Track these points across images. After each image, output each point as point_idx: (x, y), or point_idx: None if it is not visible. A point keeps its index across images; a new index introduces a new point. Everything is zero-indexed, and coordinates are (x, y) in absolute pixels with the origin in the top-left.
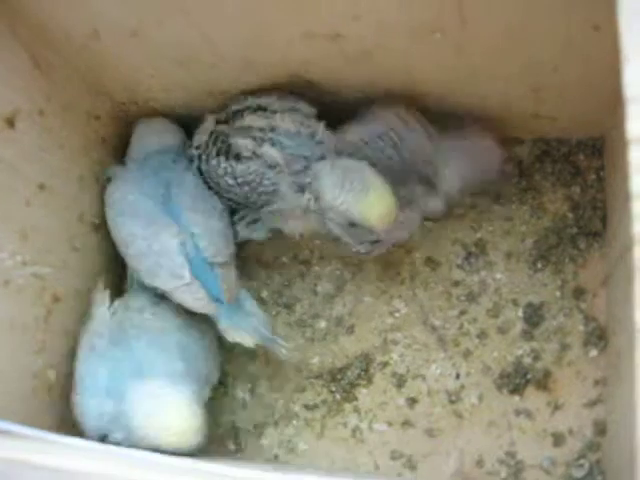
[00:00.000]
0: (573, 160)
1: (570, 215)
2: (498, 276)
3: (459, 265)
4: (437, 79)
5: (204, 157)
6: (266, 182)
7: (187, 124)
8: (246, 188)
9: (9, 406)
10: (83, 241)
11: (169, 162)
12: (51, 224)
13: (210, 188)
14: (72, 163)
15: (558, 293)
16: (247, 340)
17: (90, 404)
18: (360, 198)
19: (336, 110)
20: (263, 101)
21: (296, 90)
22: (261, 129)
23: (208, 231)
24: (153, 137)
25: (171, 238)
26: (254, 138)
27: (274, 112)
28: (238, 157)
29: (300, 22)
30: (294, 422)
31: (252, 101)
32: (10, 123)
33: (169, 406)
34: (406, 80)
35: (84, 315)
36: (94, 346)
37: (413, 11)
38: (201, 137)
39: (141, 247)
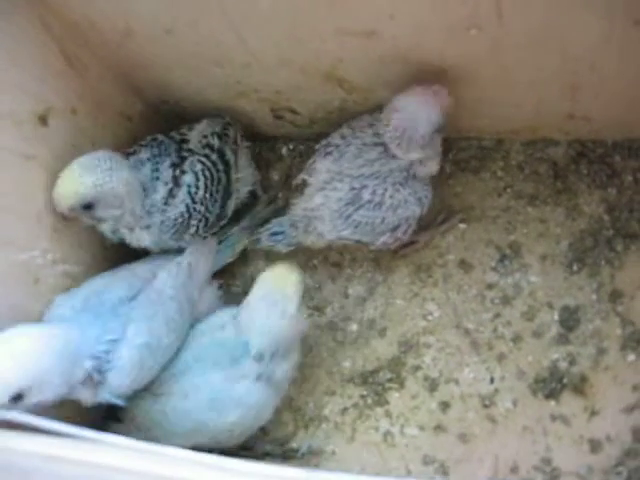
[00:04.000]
0: (609, 162)
1: (606, 217)
2: (533, 279)
3: (493, 268)
4: (472, 78)
5: None
6: None
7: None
8: None
9: None
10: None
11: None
12: (81, 223)
13: None
14: None
15: (594, 296)
16: None
17: None
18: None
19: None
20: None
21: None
22: None
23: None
24: None
25: None
26: None
27: None
28: None
29: (334, 18)
30: (324, 426)
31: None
32: (43, 121)
33: None
34: (440, 79)
35: None
36: None
37: (449, 7)
38: None
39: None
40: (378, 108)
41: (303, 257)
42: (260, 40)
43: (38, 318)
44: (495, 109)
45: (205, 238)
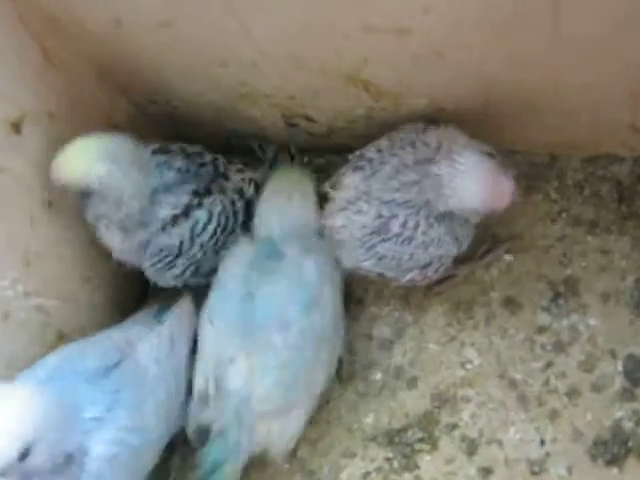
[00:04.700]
0: None
1: None
2: (592, 322)
3: (545, 307)
4: (517, 82)
5: None
6: None
7: (215, 138)
8: None
9: None
10: (96, 270)
11: None
12: (59, 248)
13: None
14: None
15: None
16: None
17: None
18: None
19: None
20: None
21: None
22: None
23: None
24: None
25: None
26: None
27: None
28: None
29: (359, 13)
30: None
31: None
32: (16, 128)
33: None
34: (481, 86)
35: None
36: None
37: (495, 1)
38: None
39: None
40: (420, 120)
41: None
42: (271, 36)
43: (7, 356)
44: (545, 117)
45: (186, 287)
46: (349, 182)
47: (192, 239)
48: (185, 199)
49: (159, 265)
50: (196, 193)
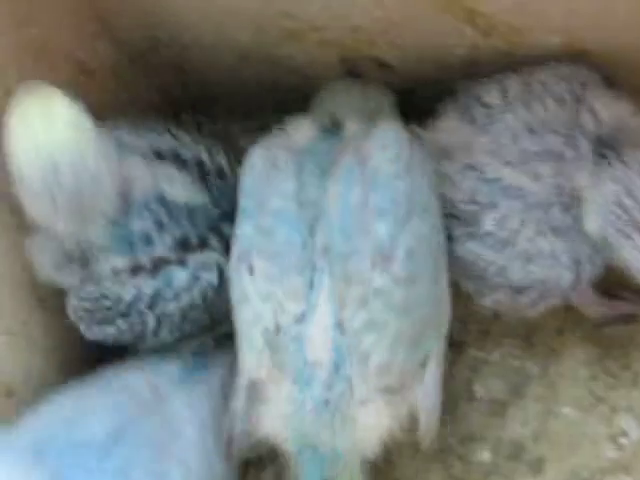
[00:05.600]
0: None
1: None
2: None
3: None
4: None
5: None
6: None
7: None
8: None
9: None
10: (52, 293)
11: None
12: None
13: None
14: None
15: None
16: None
17: None
18: None
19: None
20: None
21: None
22: None
23: None
24: None
25: None
26: None
27: None
28: None
29: None
30: None
31: None
32: None
33: None
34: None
35: None
36: None
37: None
38: None
39: None
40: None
41: None
42: None
43: None
44: None
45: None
46: (446, 126)
47: (151, 306)
48: (160, 250)
49: (87, 315)
50: (182, 244)
